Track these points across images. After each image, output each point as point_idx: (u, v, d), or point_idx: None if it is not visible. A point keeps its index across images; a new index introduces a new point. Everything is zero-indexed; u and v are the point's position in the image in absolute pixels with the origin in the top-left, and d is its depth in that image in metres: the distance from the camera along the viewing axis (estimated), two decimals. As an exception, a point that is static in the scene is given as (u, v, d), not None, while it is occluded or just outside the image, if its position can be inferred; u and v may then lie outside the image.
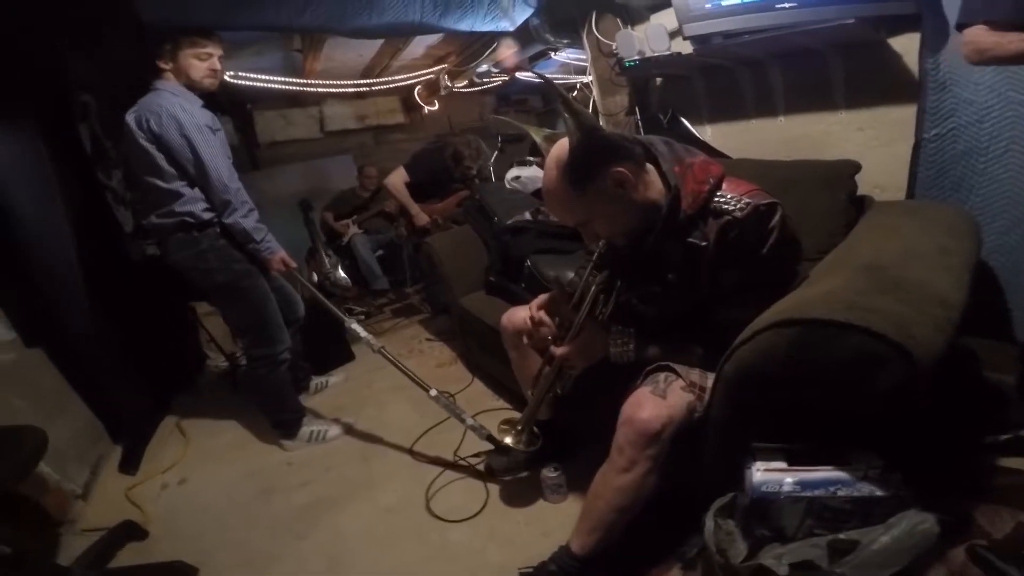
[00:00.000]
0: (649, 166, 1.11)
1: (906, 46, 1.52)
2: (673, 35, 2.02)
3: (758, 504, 0.89)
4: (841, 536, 0.84)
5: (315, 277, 3.58)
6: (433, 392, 1.78)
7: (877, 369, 0.78)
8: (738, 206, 1.04)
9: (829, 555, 0.82)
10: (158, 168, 1.77)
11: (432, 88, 4.45)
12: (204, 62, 1.82)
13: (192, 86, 1.83)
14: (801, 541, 0.87)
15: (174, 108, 1.74)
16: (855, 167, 1.52)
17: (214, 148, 1.80)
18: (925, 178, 1.49)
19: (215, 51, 1.84)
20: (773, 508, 0.89)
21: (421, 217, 3.18)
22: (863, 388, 0.81)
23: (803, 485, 0.87)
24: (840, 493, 0.86)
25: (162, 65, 1.80)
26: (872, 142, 1.67)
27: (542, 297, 1.39)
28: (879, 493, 0.85)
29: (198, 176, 1.79)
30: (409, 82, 4.35)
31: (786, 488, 0.87)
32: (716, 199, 1.06)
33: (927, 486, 0.83)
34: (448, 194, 3.30)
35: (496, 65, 3.63)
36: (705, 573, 1.05)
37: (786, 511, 0.88)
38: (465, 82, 4.14)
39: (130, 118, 1.77)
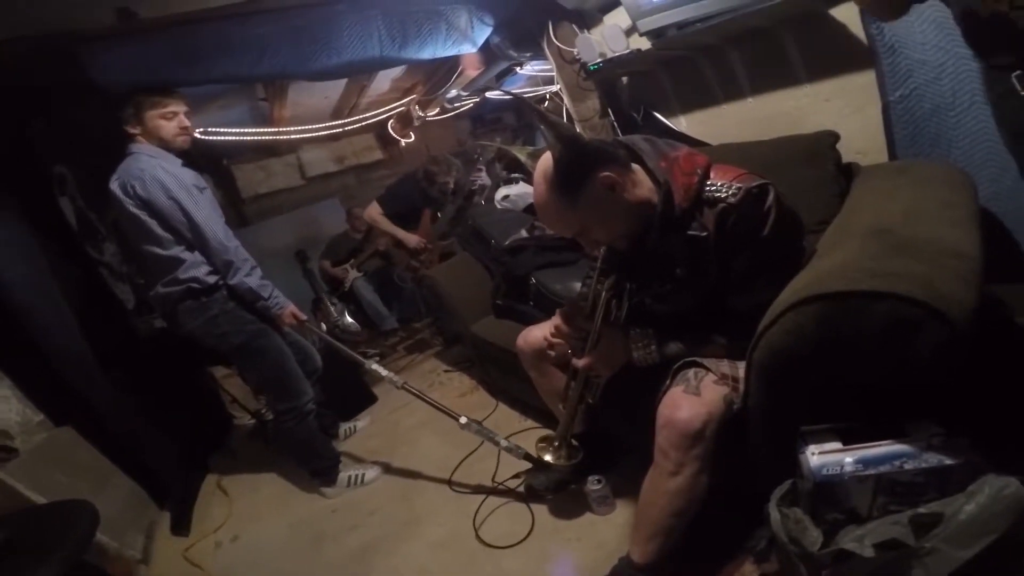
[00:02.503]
0: (635, 166, 1.13)
1: (847, 15, 1.55)
2: (629, 33, 2.06)
3: (823, 488, 0.87)
4: (922, 510, 0.81)
5: (324, 327, 3.59)
6: (463, 420, 1.77)
7: (913, 334, 0.78)
8: (730, 192, 1.05)
9: (914, 531, 0.80)
10: (154, 235, 1.76)
11: (405, 120, 4.49)
12: (171, 121, 1.80)
13: (166, 146, 1.81)
14: (879, 520, 0.84)
15: (156, 171, 1.72)
16: (834, 136, 1.54)
17: (204, 208, 1.79)
18: (902, 138, 1.51)
19: (178, 108, 1.81)
20: (840, 490, 0.87)
21: (411, 239, 3.22)
22: (902, 356, 0.80)
23: (865, 463, 0.85)
24: (907, 466, 0.84)
25: (130, 130, 1.78)
26: (843, 110, 1.69)
27: (556, 317, 1.40)
28: (949, 461, 0.83)
29: (195, 239, 1.78)
30: (380, 117, 4.39)
31: (848, 468, 0.85)
32: (707, 189, 1.08)
33: (995, 447, 0.82)
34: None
35: (465, 88, 3.68)
36: (781, 564, 1.03)
37: (854, 491, 0.86)
38: (436, 110, 4.17)
39: (114, 186, 1.74)
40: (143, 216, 1.74)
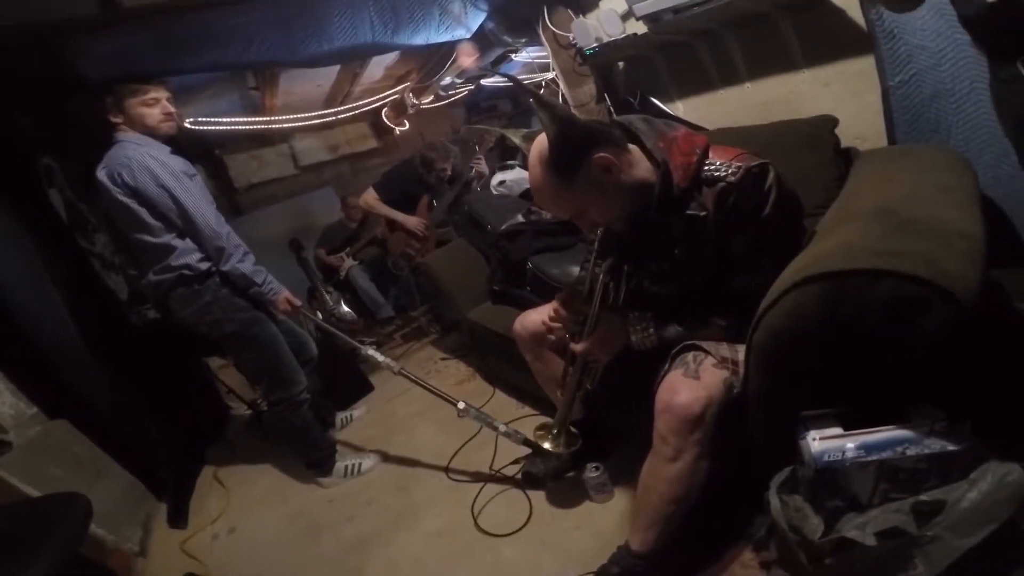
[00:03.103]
0: (632, 146, 1.11)
1: (845, 0, 1.53)
2: (625, 17, 2.03)
3: (824, 475, 0.85)
4: (923, 497, 0.80)
5: (319, 316, 3.57)
6: (461, 405, 1.76)
7: (918, 314, 0.76)
8: (729, 171, 1.03)
9: (915, 519, 0.79)
10: (144, 223, 1.74)
11: (399, 108, 4.43)
12: (153, 108, 1.76)
13: (151, 133, 1.77)
14: (880, 507, 0.83)
15: (143, 158, 1.70)
16: (833, 121, 1.54)
17: (195, 194, 1.76)
18: (902, 123, 1.50)
19: (159, 94, 1.78)
20: (840, 476, 0.85)
21: (410, 220, 3.20)
22: (906, 336, 0.79)
23: (867, 449, 0.84)
24: (909, 452, 0.83)
25: (113, 119, 1.75)
26: (842, 95, 1.68)
27: (555, 300, 1.38)
28: (952, 448, 0.81)
29: (185, 226, 1.75)
30: (374, 105, 4.33)
31: (850, 454, 0.84)
32: (706, 168, 1.06)
33: (997, 433, 0.81)
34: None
35: (460, 75, 3.63)
36: (780, 552, 1.02)
37: (855, 478, 0.85)
38: (431, 97, 4.12)
39: (102, 175, 1.72)
40: (132, 204, 1.72)
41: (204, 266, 1.80)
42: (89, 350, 2.09)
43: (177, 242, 1.77)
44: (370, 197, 3.24)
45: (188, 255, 1.78)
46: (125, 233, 1.81)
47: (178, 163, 1.79)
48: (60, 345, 2.00)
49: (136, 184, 1.69)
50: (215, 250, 1.78)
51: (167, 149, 1.80)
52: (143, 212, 1.72)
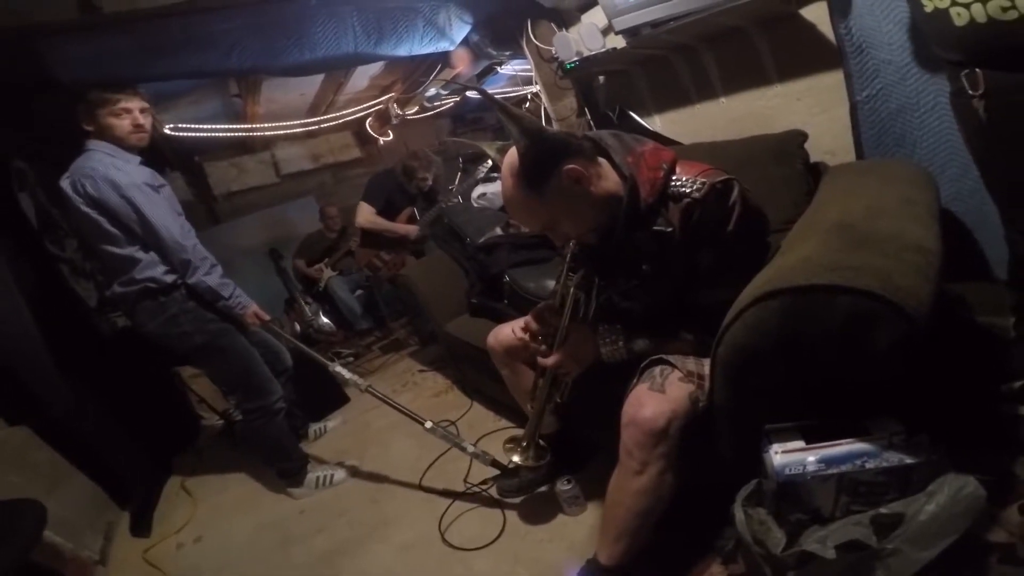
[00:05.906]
0: (601, 160, 1.12)
1: (817, 15, 1.57)
2: (605, 32, 2.06)
3: (786, 488, 0.86)
4: (883, 510, 0.80)
5: (297, 327, 3.52)
6: (428, 424, 1.76)
7: (872, 327, 0.77)
8: (695, 187, 1.04)
9: (875, 532, 0.79)
10: (107, 234, 1.71)
11: (383, 118, 4.43)
12: (122, 119, 1.72)
13: (121, 144, 1.74)
14: (841, 520, 0.83)
15: (107, 169, 1.67)
16: (803, 136, 1.56)
17: (159, 206, 1.73)
18: (869, 138, 1.53)
19: (131, 104, 1.73)
20: (802, 490, 0.86)
21: (411, 230, 3.16)
22: (862, 350, 0.79)
23: (828, 462, 0.84)
24: (869, 465, 0.83)
25: (87, 127, 1.73)
26: (813, 110, 1.71)
27: (529, 315, 1.38)
28: (910, 460, 0.82)
29: (149, 238, 1.72)
30: (358, 115, 4.33)
31: (811, 468, 0.84)
32: (673, 184, 1.07)
33: (954, 445, 0.82)
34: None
35: (445, 86, 3.64)
36: (747, 565, 1.02)
37: (817, 491, 0.85)
38: (415, 108, 4.13)
39: (65, 184, 1.69)
40: (94, 215, 1.69)
41: (169, 279, 1.77)
42: (53, 357, 2.05)
43: (141, 254, 1.74)
44: (367, 213, 3.15)
45: (152, 268, 1.75)
46: (91, 243, 1.78)
47: (144, 174, 1.76)
48: (22, 351, 1.96)
49: (99, 195, 1.66)
50: (180, 263, 1.75)
51: (136, 160, 1.78)
52: (105, 223, 1.70)
